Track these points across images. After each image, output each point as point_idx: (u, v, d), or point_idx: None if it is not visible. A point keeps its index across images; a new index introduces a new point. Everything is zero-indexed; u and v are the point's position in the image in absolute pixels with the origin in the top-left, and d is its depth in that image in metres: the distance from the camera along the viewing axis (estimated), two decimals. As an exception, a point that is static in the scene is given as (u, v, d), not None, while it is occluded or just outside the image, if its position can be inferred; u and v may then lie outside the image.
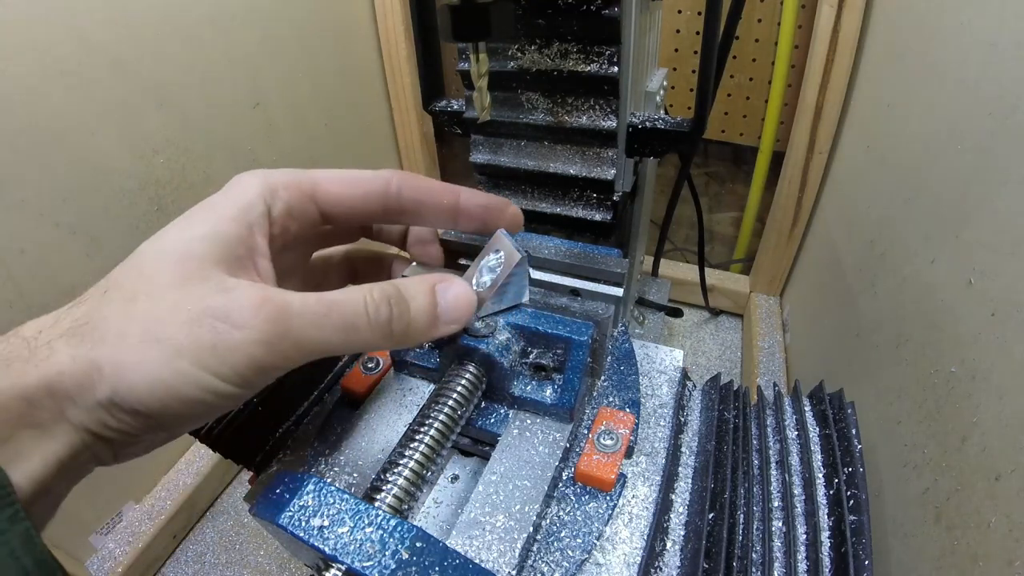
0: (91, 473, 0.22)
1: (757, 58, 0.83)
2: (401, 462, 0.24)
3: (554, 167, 0.42)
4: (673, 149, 0.41)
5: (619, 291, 0.33)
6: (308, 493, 0.22)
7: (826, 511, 0.30)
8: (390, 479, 0.24)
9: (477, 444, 0.31)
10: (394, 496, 0.23)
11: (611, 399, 0.33)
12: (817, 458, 0.32)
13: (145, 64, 0.56)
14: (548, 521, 0.27)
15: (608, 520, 0.28)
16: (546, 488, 0.27)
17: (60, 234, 0.52)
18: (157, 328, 0.20)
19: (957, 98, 0.43)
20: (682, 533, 0.29)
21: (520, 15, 0.36)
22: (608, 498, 0.28)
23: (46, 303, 0.51)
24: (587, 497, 0.29)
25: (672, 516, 0.30)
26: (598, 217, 0.43)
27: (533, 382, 0.30)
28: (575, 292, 0.34)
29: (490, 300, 0.29)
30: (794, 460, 0.32)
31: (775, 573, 0.27)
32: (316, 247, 0.32)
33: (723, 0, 0.34)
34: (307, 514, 0.21)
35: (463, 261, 0.36)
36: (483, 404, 0.31)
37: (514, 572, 0.24)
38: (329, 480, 0.28)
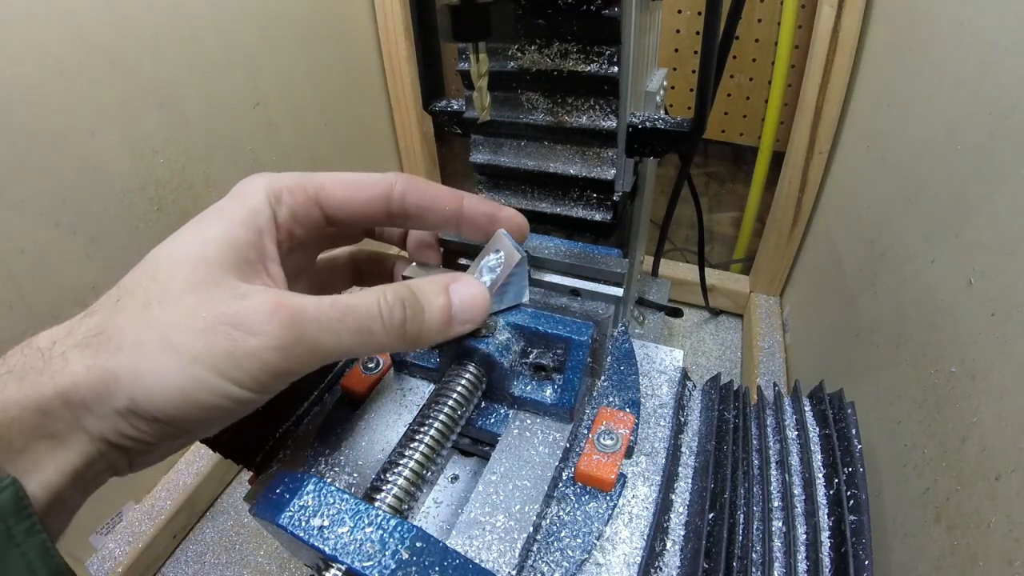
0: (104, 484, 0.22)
1: (757, 58, 0.83)
2: (401, 462, 0.24)
3: (554, 167, 0.42)
4: (673, 149, 0.41)
5: (619, 291, 0.33)
6: (308, 493, 0.22)
7: (826, 511, 0.30)
8: (390, 479, 0.24)
9: (477, 444, 0.31)
10: (394, 496, 0.23)
11: (611, 399, 0.33)
12: (817, 458, 0.32)
13: (145, 64, 0.56)
14: (548, 521, 0.27)
15: (608, 520, 0.28)
16: (546, 488, 0.27)
17: (60, 234, 0.52)
18: (173, 336, 0.20)
19: (957, 98, 0.43)
20: (682, 533, 0.29)
21: (520, 15, 0.36)
22: (608, 498, 0.28)
23: (46, 303, 0.52)
24: (587, 497, 0.29)
25: (672, 516, 0.30)
26: (598, 217, 0.43)
27: (533, 382, 0.30)
28: (575, 292, 0.34)
29: (491, 300, 0.29)
30: (794, 460, 0.32)
31: (775, 573, 0.27)
32: (321, 248, 0.32)
33: (723, 0, 0.34)
34: (307, 514, 0.21)
35: (463, 261, 0.36)
36: (483, 404, 0.31)
37: (514, 572, 0.24)
38: (329, 480, 0.28)
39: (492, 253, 0.30)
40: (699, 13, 0.83)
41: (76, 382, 0.19)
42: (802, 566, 0.27)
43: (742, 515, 0.29)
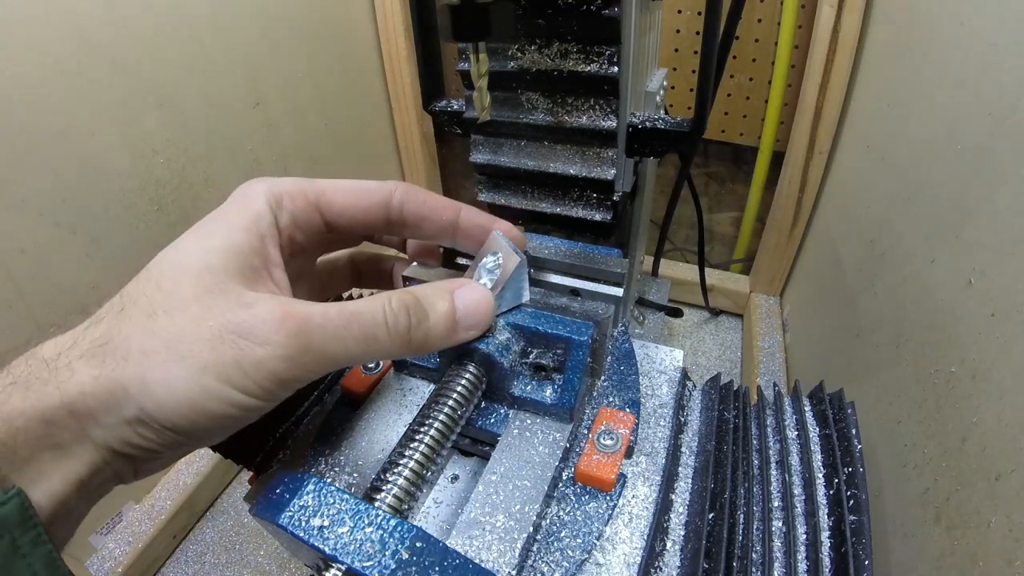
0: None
1: (757, 58, 0.83)
2: (401, 462, 0.24)
3: (554, 167, 0.42)
4: (673, 149, 0.41)
5: (619, 291, 0.33)
6: (308, 493, 0.22)
7: (826, 511, 0.30)
8: (390, 479, 0.24)
9: (477, 444, 0.31)
10: (394, 496, 0.23)
11: (611, 399, 0.33)
12: (817, 458, 0.32)
13: (145, 64, 0.56)
14: (548, 521, 0.27)
15: (608, 520, 0.28)
16: (546, 488, 0.27)
17: (60, 234, 0.52)
18: (181, 345, 0.20)
19: (957, 98, 0.43)
20: (682, 533, 0.29)
21: (520, 15, 0.36)
22: (608, 498, 0.28)
23: (46, 303, 0.52)
24: (587, 497, 0.29)
25: (672, 516, 0.30)
26: (598, 217, 0.43)
27: (533, 382, 0.30)
28: (575, 292, 0.34)
29: (495, 305, 0.29)
30: (794, 460, 0.32)
31: (775, 573, 0.27)
32: (320, 252, 0.32)
33: (723, 0, 0.34)
34: (307, 514, 0.21)
35: (462, 260, 0.36)
36: (483, 404, 0.31)
37: (514, 572, 0.24)
38: (329, 480, 0.28)
39: (490, 255, 0.30)
40: (699, 13, 0.83)
41: (83, 392, 0.19)
42: (802, 566, 0.27)
43: (742, 515, 0.29)
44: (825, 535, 0.29)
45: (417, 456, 0.25)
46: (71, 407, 0.19)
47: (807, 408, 0.35)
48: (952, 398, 0.37)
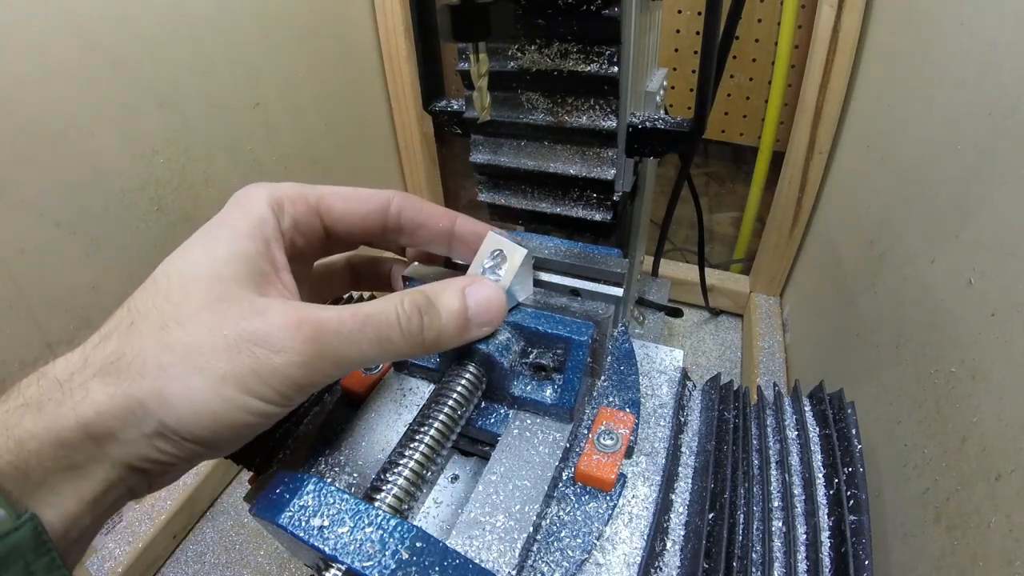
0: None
1: (757, 58, 0.83)
2: (401, 462, 0.24)
3: (554, 167, 0.42)
4: (673, 149, 0.41)
5: (619, 291, 0.33)
6: (308, 493, 0.22)
7: (826, 511, 0.30)
8: (390, 479, 0.24)
9: (477, 444, 0.31)
10: (394, 496, 0.23)
11: (611, 399, 0.33)
12: (817, 458, 0.32)
13: (145, 64, 0.56)
14: (548, 521, 0.27)
15: (608, 520, 0.28)
16: (546, 488, 0.27)
17: (60, 234, 0.52)
18: (197, 357, 0.20)
19: (957, 98, 0.43)
20: (682, 533, 0.29)
21: (520, 15, 0.36)
22: (608, 498, 0.28)
23: (46, 303, 0.52)
24: (587, 497, 0.29)
25: (672, 516, 0.30)
26: (598, 217, 0.43)
27: (533, 382, 0.30)
28: (575, 292, 0.34)
29: (506, 302, 0.29)
30: (794, 460, 0.32)
31: (775, 573, 0.27)
32: (318, 257, 0.32)
33: (723, 0, 0.34)
34: (307, 514, 0.21)
35: (460, 260, 0.36)
36: (483, 404, 0.31)
37: (514, 572, 0.24)
38: (329, 480, 0.28)
39: (488, 255, 0.30)
40: (699, 13, 0.83)
41: (99, 411, 0.19)
42: (802, 566, 0.27)
43: (742, 515, 0.29)
44: (825, 535, 0.29)
45: (417, 456, 0.25)
46: (87, 427, 0.19)
47: (807, 408, 0.35)
48: (952, 398, 0.37)
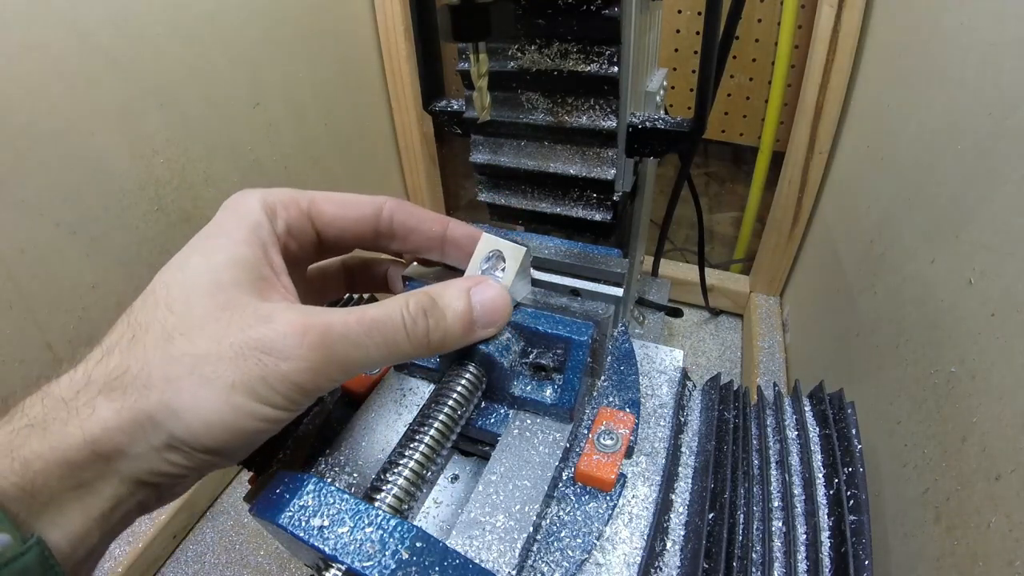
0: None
1: (757, 58, 0.83)
2: (401, 462, 0.24)
3: (554, 167, 0.42)
4: (673, 149, 0.41)
5: (619, 291, 0.33)
6: (308, 493, 0.22)
7: (826, 511, 0.30)
8: (390, 479, 0.24)
9: (477, 444, 0.31)
10: (394, 496, 0.23)
11: (611, 399, 0.33)
12: (817, 458, 0.32)
13: (145, 64, 0.56)
14: (548, 521, 0.27)
15: (608, 520, 0.28)
16: (546, 488, 0.27)
17: (60, 234, 0.52)
18: (204, 367, 0.20)
19: (957, 98, 0.43)
20: (682, 533, 0.29)
21: (520, 15, 0.36)
22: (608, 498, 0.28)
23: (46, 303, 0.52)
24: (587, 497, 0.29)
25: (672, 516, 0.30)
26: (598, 217, 0.43)
27: (533, 382, 0.30)
28: (575, 292, 0.34)
29: (511, 302, 0.29)
30: (794, 460, 0.32)
31: (775, 573, 0.27)
32: (311, 261, 0.32)
33: (723, 0, 0.34)
34: (307, 514, 0.21)
35: (453, 265, 0.36)
36: (483, 404, 0.31)
37: (514, 572, 0.24)
38: (329, 480, 0.28)
39: (485, 256, 0.30)
40: (699, 13, 0.83)
41: (106, 428, 0.19)
42: (802, 566, 0.27)
43: (742, 515, 0.29)
44: (825, 535, 0.29)
45: (417, 456, 0.25)
46: (94, 444, 0.19)
47: (807, 408, 0.35)
48: (952, 398, 0.37)
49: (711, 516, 0.29)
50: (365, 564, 0.20)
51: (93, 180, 0.54)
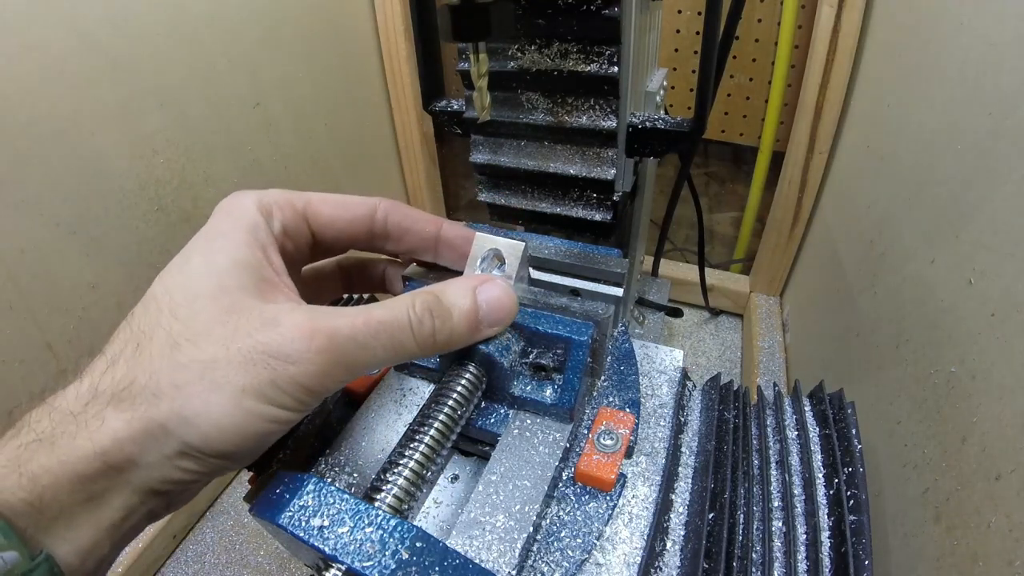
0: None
1: (757, 58, 0.83)
2: (401, 462, 0.24)
3: (554, 167, 0.42)
4: (673, 149, 0.41)
5: (619, 291, 0.33)
6: (308, 493, 0.22)
7: (826, 511, 0.30)
8: (390, 479, 0.24)
9: (477, 444, 0.31)
10: (394, 496, 0.23)
11: (611, 399, 0.33)
12: (817, 458, 0.32)
13: (145, 64, 0.56)
14: (548, 521, 0.27)
15: (608, 520, 0.28)
16: (546, 488, 0.27)
17: (60, 234, 0.52)
18: (213, 372, 0.20)
19: (957, 98, 0.43)
20: (682, 533, 0.29)
21: (520, 15, 0.36)
22: (608, 498, 0.28)
23: (46, 303, 0.52)
24: (587, 497, 0.29)
25: (672, 516, 0.30)
26: (598, 217, 0.43)
27: (533, 382, 0.30)
28: (575, 292, 0.34)
29: (517, 300, 0.29)
30: (794, 460, 0.32)
31: (775, 573, 0.27)
32: (307, 261, 0.32)
33: (723, 0, 0.34)
34: (307, 514, 0.21)
35: (447, 265, 0.36)
36: (483, 404, 0.31)
37: (514, 572, 0.24)
38: (329, 480, 0.28)
39: (482, 256, 0.30)
40: (699, 13, 0.83)
41: (117, 439, 0.19)
42: (802, 566, 0.27)
43: (742, 515, 0.29)
44: (825, 535, 0.29)
45: (417, 456, 0.25)
46: (105, 456, 0.19)
47: (807, 408, 0.35)
48: (952, 398, 0.37)
49: (711, 516, 0.29)
50: (365, 564, 0.20)
51: (93, 180, 0.54)
